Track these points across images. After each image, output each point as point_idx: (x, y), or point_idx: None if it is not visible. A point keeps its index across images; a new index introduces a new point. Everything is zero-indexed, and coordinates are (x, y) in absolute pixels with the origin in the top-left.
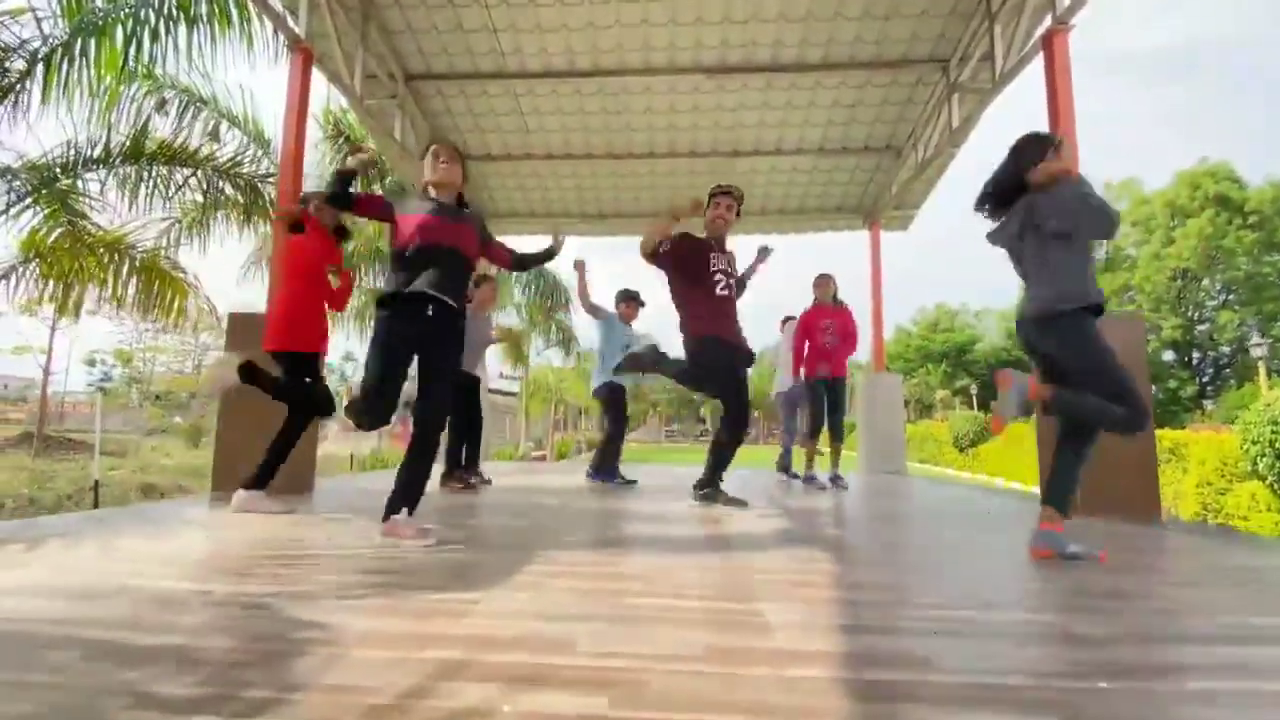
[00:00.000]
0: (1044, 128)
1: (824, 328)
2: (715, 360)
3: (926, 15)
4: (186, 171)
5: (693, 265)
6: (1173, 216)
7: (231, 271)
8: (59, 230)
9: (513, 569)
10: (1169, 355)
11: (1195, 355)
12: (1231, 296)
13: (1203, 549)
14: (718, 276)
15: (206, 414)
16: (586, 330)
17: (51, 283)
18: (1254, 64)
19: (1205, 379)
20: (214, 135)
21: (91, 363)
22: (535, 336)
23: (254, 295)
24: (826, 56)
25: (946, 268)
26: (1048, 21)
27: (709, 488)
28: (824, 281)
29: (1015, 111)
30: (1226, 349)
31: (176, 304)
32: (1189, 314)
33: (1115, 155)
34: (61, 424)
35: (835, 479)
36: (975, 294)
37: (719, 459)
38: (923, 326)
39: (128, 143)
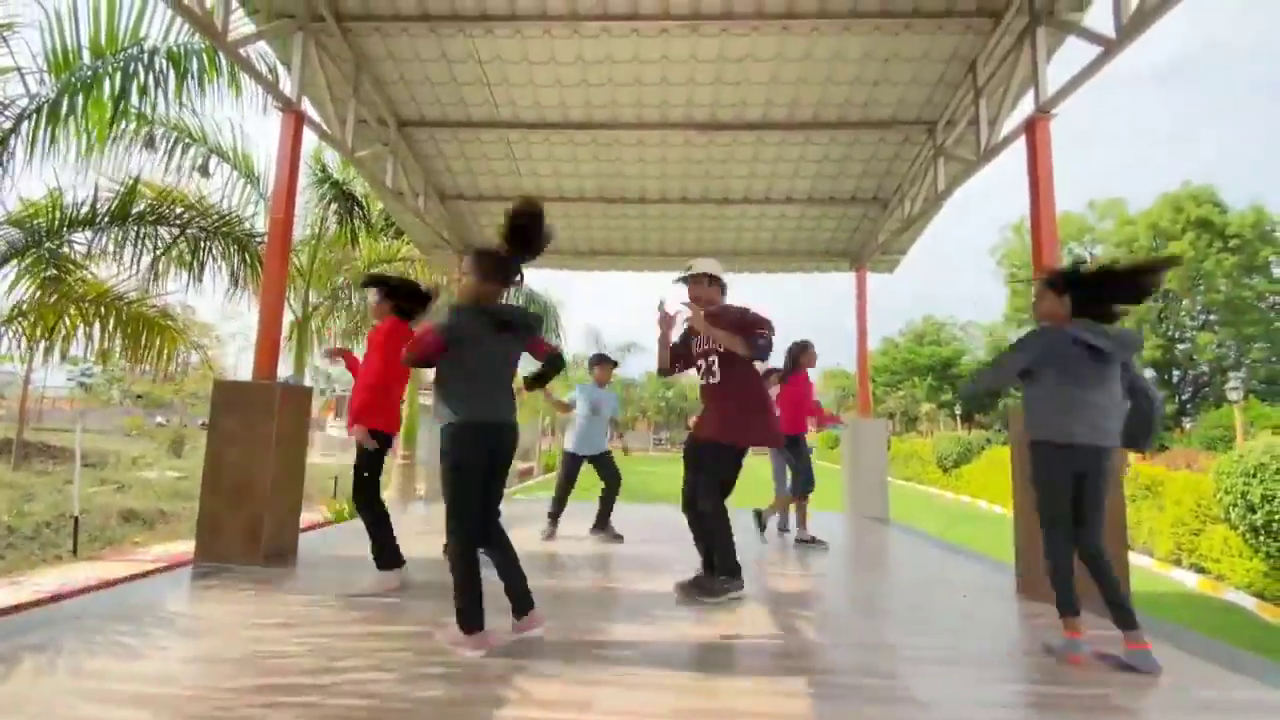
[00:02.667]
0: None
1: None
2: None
3: (915, 83)
4: (175, 230)
5: (692, 362)
6: (1155, 238)
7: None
8: (47, 274)
9: (490, 711)
10: (1150, 374)
11: (1175, 374)
12: (1212, 318)
13: (1175, 671)
14: (700, 363)
15: (186, 421)
16: (574, 348)
17: (37, 338)
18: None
19: (1184, 397)
20: (203, 170)
21: (75, 362)
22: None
23: (240, 306)
24: (816, 116)
25: (934, 282)
26: (1031, 101)
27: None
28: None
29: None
30: (1205, 369)
31: (166, 352)
32: (1169, 334)
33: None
34: (40, 422)
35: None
36: (961, 306)
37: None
38: (909, 338)
39: (115, 203)
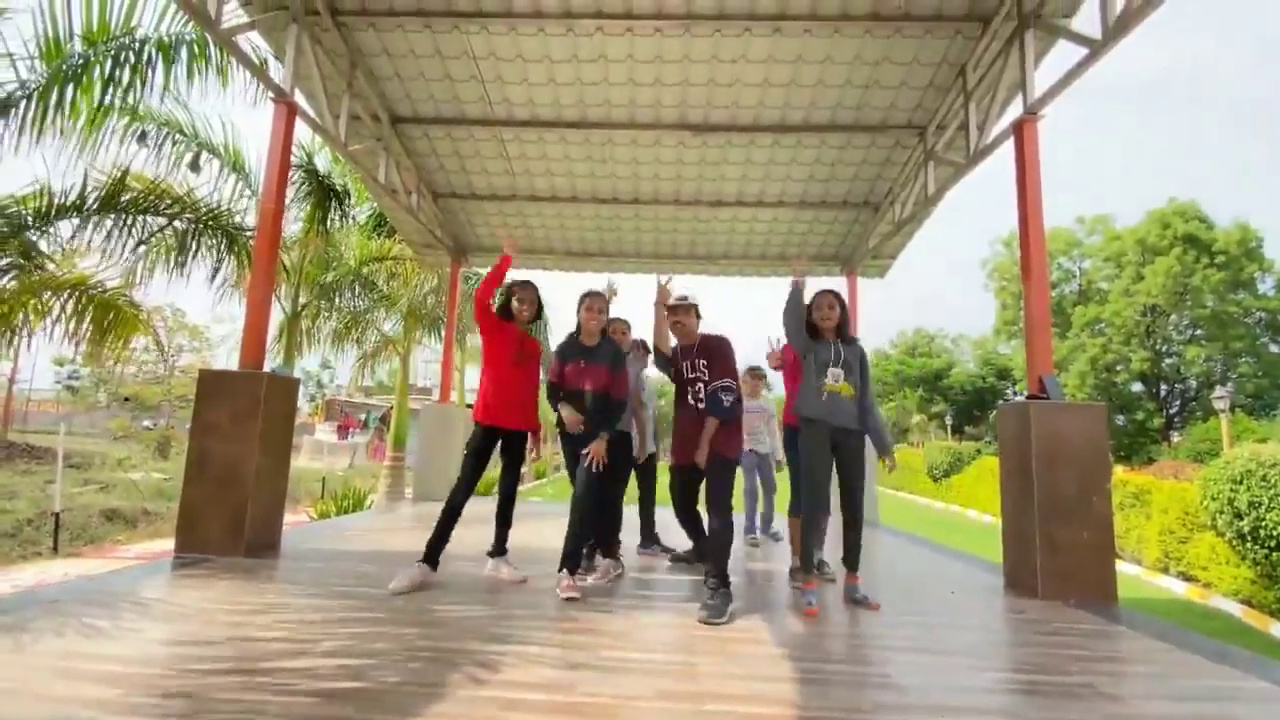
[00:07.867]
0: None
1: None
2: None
3: (905, 86)
4: (162, 221)
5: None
6: (1143, 253)
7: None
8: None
9: (475, 699)
10: (1138, 387)
11: (1163, 388)
12: (1199, 332)
13: (1159, 661)
14: (687, 389)
15: (174, 424)
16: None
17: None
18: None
19: (1172, 410)
20: (193, 165)
21: (60, 363)
22: None
23: (232, 308)
24: (807, 119)
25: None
26: (1019, 105)
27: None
28: None
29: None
30: (1193, 382)
31: (126, 340)
32: (1157, 348)
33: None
34: (26, 425)
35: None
36: (950, 318)
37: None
38: (900, 350)
39: (104, 191)
